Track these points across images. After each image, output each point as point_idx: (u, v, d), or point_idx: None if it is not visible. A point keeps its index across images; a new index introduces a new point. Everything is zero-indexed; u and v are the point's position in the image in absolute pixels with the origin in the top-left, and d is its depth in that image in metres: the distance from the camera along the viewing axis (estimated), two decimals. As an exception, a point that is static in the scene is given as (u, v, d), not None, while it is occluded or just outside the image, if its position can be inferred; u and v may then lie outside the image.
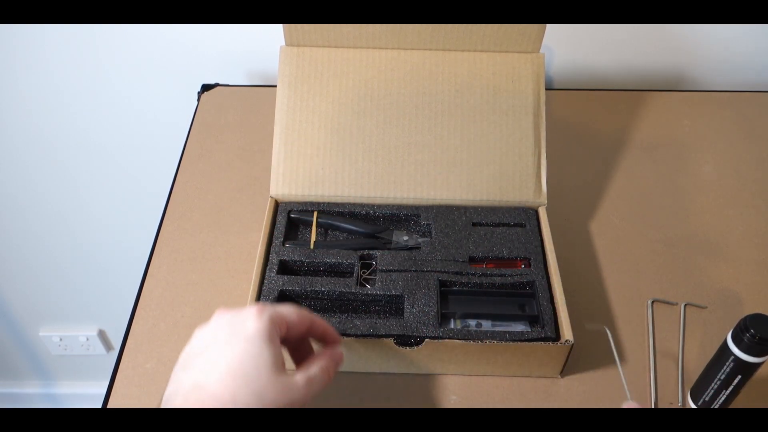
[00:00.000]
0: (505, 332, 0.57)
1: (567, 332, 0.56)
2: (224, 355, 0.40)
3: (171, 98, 0.98)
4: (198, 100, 0.90)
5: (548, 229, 0.65)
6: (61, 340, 1.46)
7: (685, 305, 0.66)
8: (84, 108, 1.00)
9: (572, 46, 0.92)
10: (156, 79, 0.96)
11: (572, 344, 0.55)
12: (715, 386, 0.54)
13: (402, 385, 0.60)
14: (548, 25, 0.67)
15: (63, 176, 1.10)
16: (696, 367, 0.60)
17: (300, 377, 0.42)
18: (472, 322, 0.59)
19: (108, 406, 0.58)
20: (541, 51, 0.69)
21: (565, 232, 0.73)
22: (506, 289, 0.61)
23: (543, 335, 0.56)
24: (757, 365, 0.51)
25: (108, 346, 1.50)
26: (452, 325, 0.59)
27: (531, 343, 0.56)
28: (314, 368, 0.43)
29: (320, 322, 0.46)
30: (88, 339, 1.45)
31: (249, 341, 0.40)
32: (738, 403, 0.55)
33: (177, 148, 0.83)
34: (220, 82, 0.92)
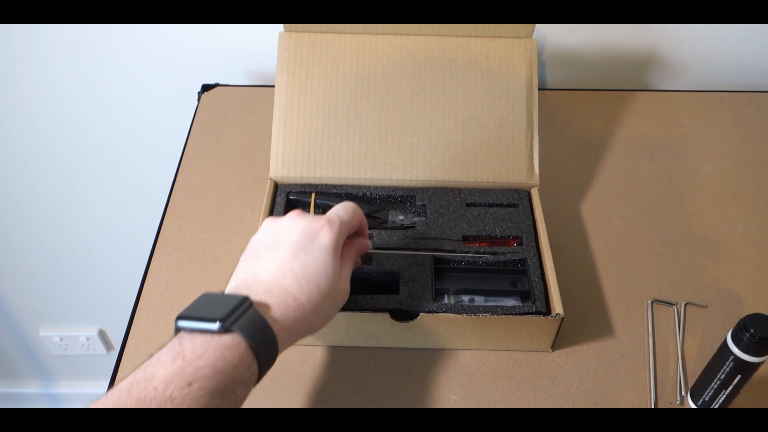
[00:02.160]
0: (497, 307, 0.58)
1: (558, 306, 0.57)
2: (300, 259, 0.46)
3: (171, 98, 0.98)
4: (198, 100, 0.90)
5: (540, 209, 0.66)
6: (61, 340, 1.46)
7: (685, 305, 0.66)
8: (84, 108, 1.00)
9: (570, 46, 0.92)
10: (156, 79, 0.96)
11: (562, 317, 0.56)
12: (715, 386, 0.54)
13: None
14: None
15: (63, 176, 1.10)
16: (696, 367, 0.60)
17: (345, 284, 0.49)
18: (466, 298, 0.61)
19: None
20: (534, 36, 0.70)
21: (564, 231, 0.73)
22: (499, 267, 0.63)
23: (533, 309, 0.58)
24: (757, 365, 0.51)
25: (108, 346, 1.50)
26: (446, 300, 0.61)
27: (523, 316, 0.57)
28: (350, 266, 0.51)
29: (364, 221, 0.54)
30: (88, 339, 1.45)
31: (323, 251, 0.46)
32: (738, 403, 0.55)
33: (177, 148, 0.83)
34: (220, 82, 0.92)
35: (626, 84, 0.96)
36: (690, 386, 0.59)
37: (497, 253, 0.63)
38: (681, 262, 0.70)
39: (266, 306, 0.43)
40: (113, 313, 1.39)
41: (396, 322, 0.58)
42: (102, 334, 1.46)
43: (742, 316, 0.50)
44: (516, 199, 0.68)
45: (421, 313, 0.57)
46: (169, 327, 0.64)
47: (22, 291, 1.35)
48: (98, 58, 0.93)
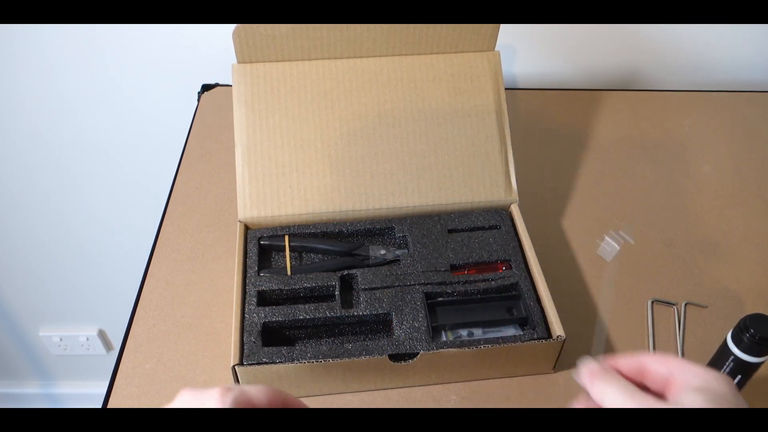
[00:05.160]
0: (498, 338, 0.57)
1: (558, 328, 0.56)
2: None
3: (171, 98, 0.98)
4: (198, 100, 0.90)
5: (524, 228, 0.65)
6: (61, 340, 1.46)
7: (686, 305, 0.66)
8: (84, 108, 1.00)
9: (570, 46, 0.92)
10: (156, 79, 0.96)
11: (564, 339, 0.56)
12: (715, 386, 0.54)
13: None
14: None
15: (63, 176, 1.10)
16: (696, 367, 0.60)
17: None
18: (464, 332, 0.59)
19: (108, 406, 0.58)
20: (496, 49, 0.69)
21: (564, 233, 0.73)
22: (492, 294, 0.61)
23: (536, 336, 0.56)
24: (757, 365, 0.51)
25: (108, 346, 1.50)
26: (444, 338, 0.58)
27: (525, 343, 0.56)
28: None
29: (295, 402, 0.42)
30: (88, 339, 1.45)
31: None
32: (738, 403, 0.55)
33: (177, 148, 0.83)
34: (220, 82, 0.92)
35: (626, 84, 0.96)
36: (690, 386, 0.59)
37: (488, 279, 0.62)
38: (681, 262, 0.70)
39: None
40: (113, 313, 1.39)
41: (395, 364, 0.56)
42: (102, 334, 1.46)
43: (742, 316, 0.50)
44: (497, 221, 0.66)
45: (421, 352, 0.55)
46: (169, 327, 0.64)
47: (22, 291, 1.35)
48: (98, 58, 0.93)
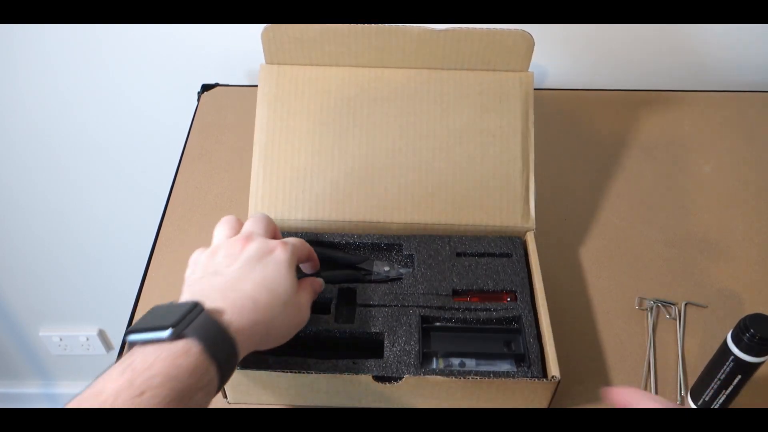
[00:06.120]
0: (489, 372, 0.55)
1: (554, 368, 0.53)
2: (258, 271, 0.48)
3: (171, 98, 0.98)
4: (198, 100, 0.90)
5: (536, 259, 0.62)
6: (61, 340, 1.46)
7: (686, 305, 0.66)
8: (84, 108, 1.00)
9: (570, 46, 0.92)
10: (156, 79, 0.96)
11: (559, 380, 0.53)
12: (715, 386, 0.54)
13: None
14: (545, 24, 0.66)
15: (63, 176, 1.10)
16: (696, 367, 0.60)
17: (305, 305, 0.52)
18: (456, 361, 0.57)
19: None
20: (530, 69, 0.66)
21: (563, 233, 0.73)
22: (491, 325, 0.59)
23: (529, 375, 0.54)
24: (757, 365, 0.51)
25: (108, 346, 1.50)
26: (434, 365, 0.56)
27: (516, 379, 0.54)
28: (309, 294, 0.54)
29: (313, 254, 0.57)
30: (88, 339, 1.45)
31: (279, 265, 0.49)
32: (738, 403, 0.55)
33: (177, 148, 0.83)
34: (220, 82, 0.92)
35: (626, 84, 0.96)
36: (690, 386, 0.59)
37: (489, 309, 0.59)
38: (681, 262, 0.70)
39: (221, 311, 0.43)
40: (113, 313, 1.39)
41: (379, 384, 0.54)
42: (102, 334, 1.46)
43: (742, 316, 0.50)
44: (510, 248, 0.64)
45: (406, 375, 0.53)
46: (169, 327, 0.64)
47: (22, 291, 1.35)
48: (98, 58, 0.93)
